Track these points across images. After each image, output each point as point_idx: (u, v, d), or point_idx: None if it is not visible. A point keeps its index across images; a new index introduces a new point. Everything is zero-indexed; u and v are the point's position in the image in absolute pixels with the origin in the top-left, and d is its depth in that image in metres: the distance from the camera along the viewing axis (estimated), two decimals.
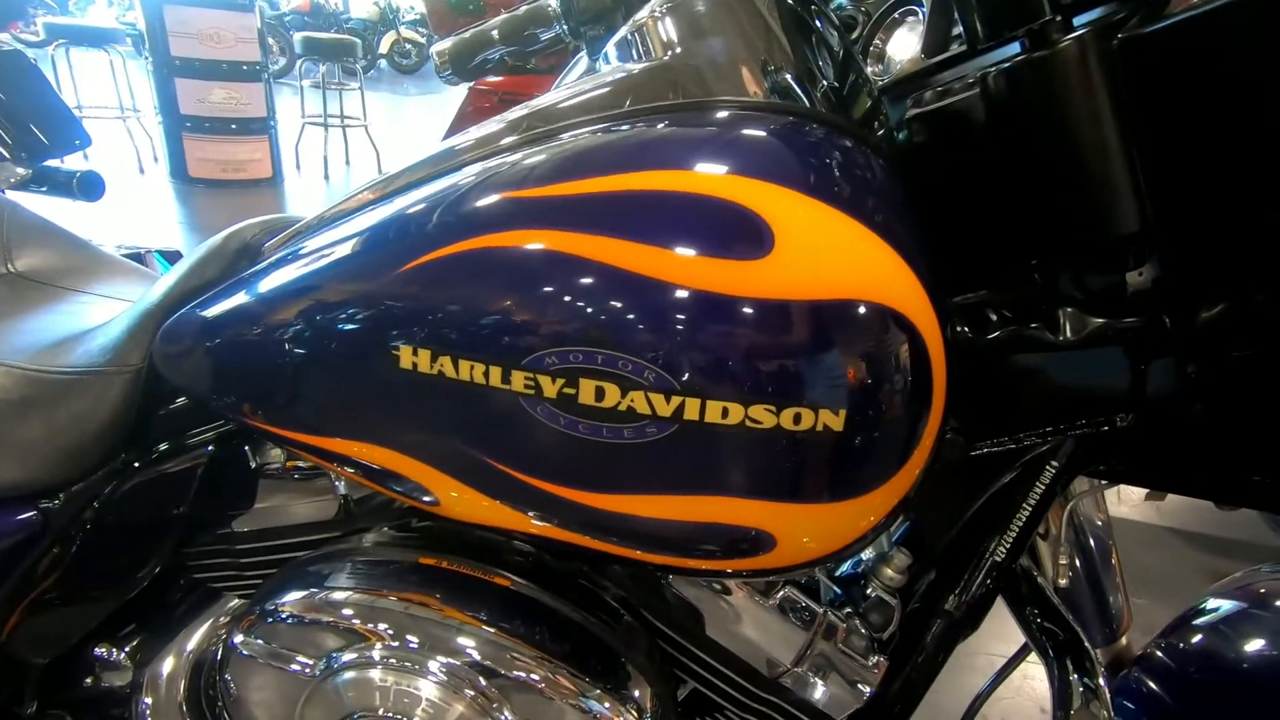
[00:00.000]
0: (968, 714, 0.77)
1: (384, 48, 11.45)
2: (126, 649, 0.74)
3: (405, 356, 0.44)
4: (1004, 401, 0.59)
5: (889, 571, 0.61)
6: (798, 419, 0.38)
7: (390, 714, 0.49)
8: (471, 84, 3.58)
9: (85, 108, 4.77)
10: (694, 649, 0.57)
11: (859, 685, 0.59)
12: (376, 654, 0.49)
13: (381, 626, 0.49)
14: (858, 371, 0.39)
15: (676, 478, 0.41)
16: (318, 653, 0.51)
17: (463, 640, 0.49)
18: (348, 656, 0.50)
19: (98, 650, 0.73)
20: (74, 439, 0.64)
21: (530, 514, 0.46)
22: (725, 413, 0.38)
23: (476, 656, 0.48)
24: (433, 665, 0.48)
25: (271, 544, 0.63)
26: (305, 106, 5.29)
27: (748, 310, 0.38)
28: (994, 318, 0.55)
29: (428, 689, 0.48)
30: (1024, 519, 0.60)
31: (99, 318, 0.75)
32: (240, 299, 0.53)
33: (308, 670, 0.51)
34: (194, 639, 0.72)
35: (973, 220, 0.52)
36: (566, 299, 0.40)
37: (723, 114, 0.43)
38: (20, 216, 0.96)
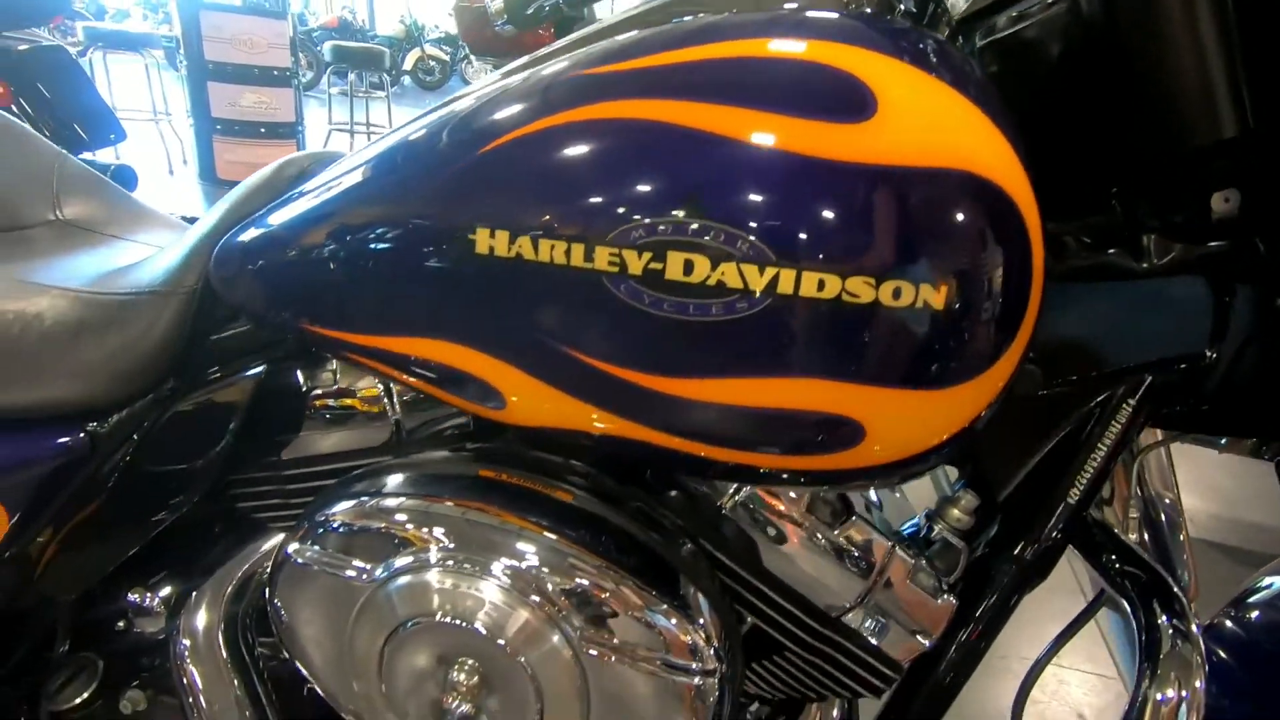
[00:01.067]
0: (1022, 690, 0.74)
1: (408, 64, 11.67)
2: (160, 594, 0.72)
3: (482, 240, 0.42)
4: (1081, 336, 0.57)
5: (956, 513, 0.59)
6: (897, 294, 0.37)
7: (449, 619, 0.47)
8: None
9: (119, 110, 4.86)
10: (755, 582, 0.55)
11: (925, 629, 0.57)
12: (435, 558, 0.47)
13: (440, 531, 0.48)
14: (961, 246, 0.37)
15: (765, 359, 0.39)
16: (373, 559, 0.49)
17: (525, 545, 0.47)
18: (404, 562, 0.48)
19: (130, 596, 0.72)
20: (125, 361, 0.63)
21: (603, 408, 0.44)
22: (821, 285, 0.37)
23: (539, 563, 0.46)
24: (494, 571, 0.46)
25: (320, 470, 0.62)
26: (332, 114, 5.37)
27: (849, 176, 0.36)
28: (1072, 245, 0.53)
29: (489, 594, 0.46)
30: (1096, 464, 0.58)
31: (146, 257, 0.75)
32: (304, 205, 0.53)
33: (364, 576, 0.49)
34: (233, 579, 0.70)
35: (1049, 150, 0.50)
36: (656, 168, 0.38)
37: (811, 10, 0.42)
38: (69, 166, 0.97)
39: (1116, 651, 0.77)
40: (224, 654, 0.67)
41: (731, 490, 0.55)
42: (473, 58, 12.68)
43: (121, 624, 0.76)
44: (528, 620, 0.46)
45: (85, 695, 0.74)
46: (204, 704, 0.66)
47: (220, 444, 0.63)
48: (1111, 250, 0.52)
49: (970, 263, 0.37)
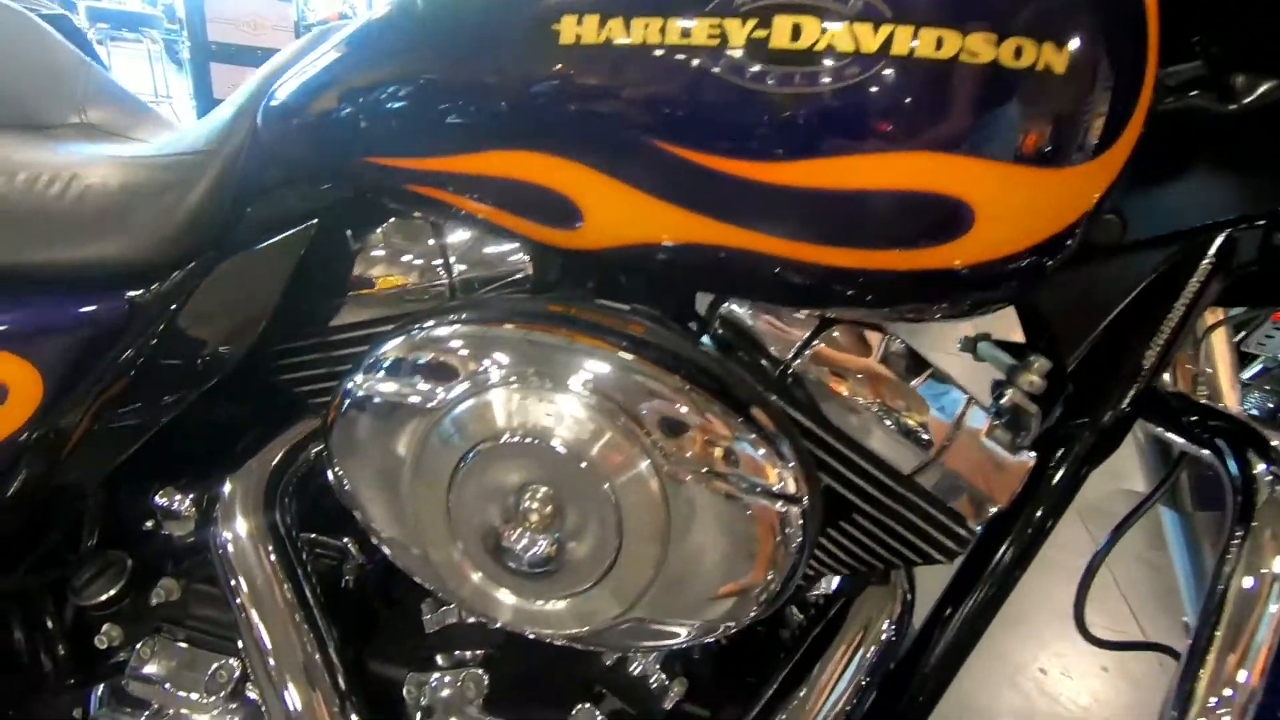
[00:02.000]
0: (1082, 586, 0.72)
1: None
2: (192, 492, 0.70)
3: (567, 29, 0.40)
4: (1162, 188, 0.55)
5: (1029, 376, 0.57)
6: (1018, 53, 0.35)
7: (526, 439, 0.45)
8: None
9: None
10: (827, 438, 0.53)
11: (1000, 489, 0.55)
12: (510, 378, 0.45)
13: (515, 353, 0.46)
14: (1086, 5, 0.35)
15: (874, 132, 0.37)
16: (442, 382, 0.47)
17: (605, 365, 0.45)
18: (478, 383, 0.46)
19: (158, 495, 0.70)
20: (167, 223, 0.61)
21: (693, 209, 0.42)
22: (940, 43, 0.35)
23: (620, 383, 0.44)
24: (575, 390, 0.44)
25: (369, 334, 0.60)
26: None
27: None
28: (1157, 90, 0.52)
29: (570, 413, 0.44)
30: (1168, 330, 0.57)
31: None
32: (357, 35, 0.51)
33: (433, 400, 0.47)
34: (270, 469, 0.68)
35: None
36: None
37: None
38: (94, 73, 0.95)
39: (1173, 550, 0.75)
40: (268, 548, 0.65)
41: (800, 344, 0.53)
42: None
43: (150, 523, 0.73)
44: (610, 440, 0.44)
45: (113, 591, 0.72)
46: (245, 589, 0.64)
47: (262, 312, 0.61)
48: (1195, 92, 0.51)
49: (1094, 26, 0.35)
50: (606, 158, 0.42)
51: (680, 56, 0.38)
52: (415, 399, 0.47)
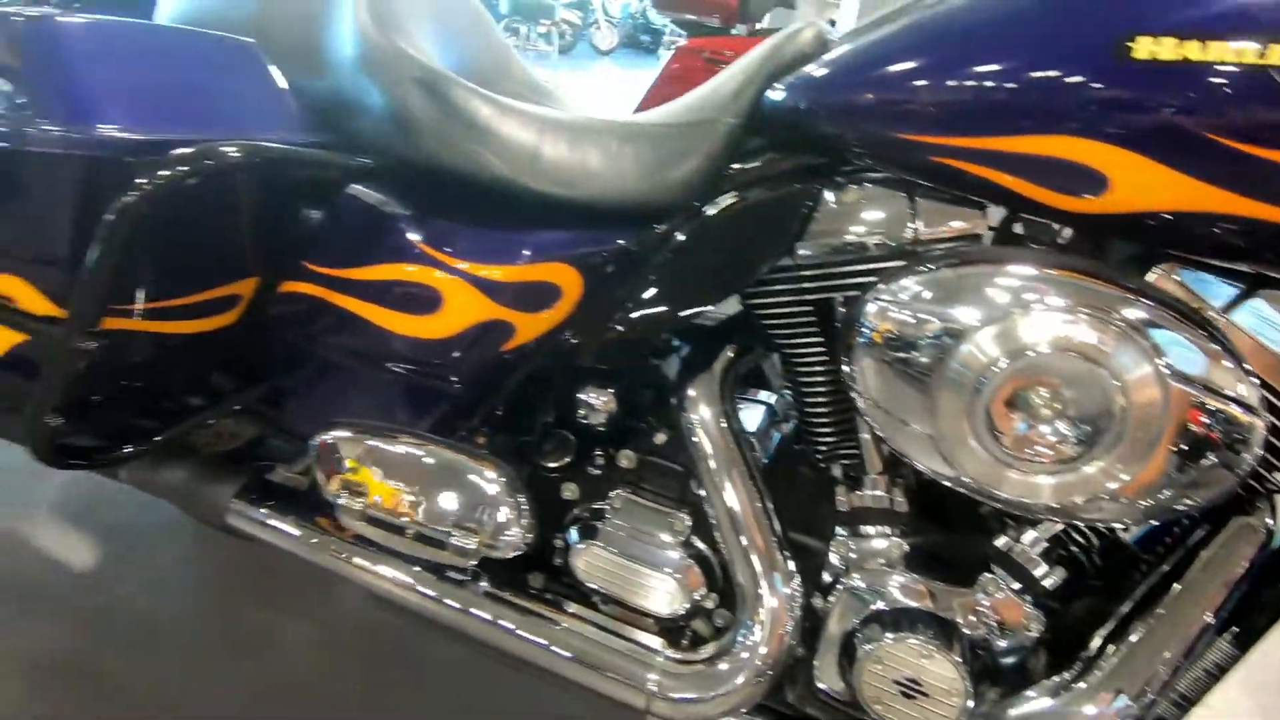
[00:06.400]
0: None
1: (541, 28, 12.00)
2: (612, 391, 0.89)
3: (1142, 47, 0.55)
4: None
5: None
6: None
7: (1054, 355, 0.60)
8: (680, 45, 3.76)
9: None
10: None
11: None
12: (1051, 303, 0.60)
13: (1050, 289, 0.61)
14: None
15: None
16: (970, 311, 0.62)
17: (1130, 307, 0.59)
18: (1006, 311, 0.61)
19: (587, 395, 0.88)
20: (683, 175, 0.79)
21: (1209, 181, 0.55)
22: None
23: (1141, 319, 0.59)
24: (1100, 319, 0.59)
25: (835, 271, 0.76)
26: None
27: None
28: None
29: (1093, 335, 0.59)
30: None
31: None
32: (911, 25, 0.66)
33: (961, 324, 0.62)
34: (719, 369, 0.86)
35: None
36: None
37: None
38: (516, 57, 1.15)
39: None
40: (723, 426, 0.83)
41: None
42: (601, 22, 12.89)
43: (583, 411, 0.92)
44: (1127, 357, 0.58)
45: (568, 459, 0.93)
46: (710, 454, 0.83)
47: (745, 254, 0.79)
48: None
49: None
50: (1152, 146, 0.56)
51: (1251, 72, 0.52)
52: (947, 322, 0.63)
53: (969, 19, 0.64)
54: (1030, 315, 0.61)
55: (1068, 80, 0.59)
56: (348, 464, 0.87)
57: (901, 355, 0.66)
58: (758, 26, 3.84)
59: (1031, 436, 0.62)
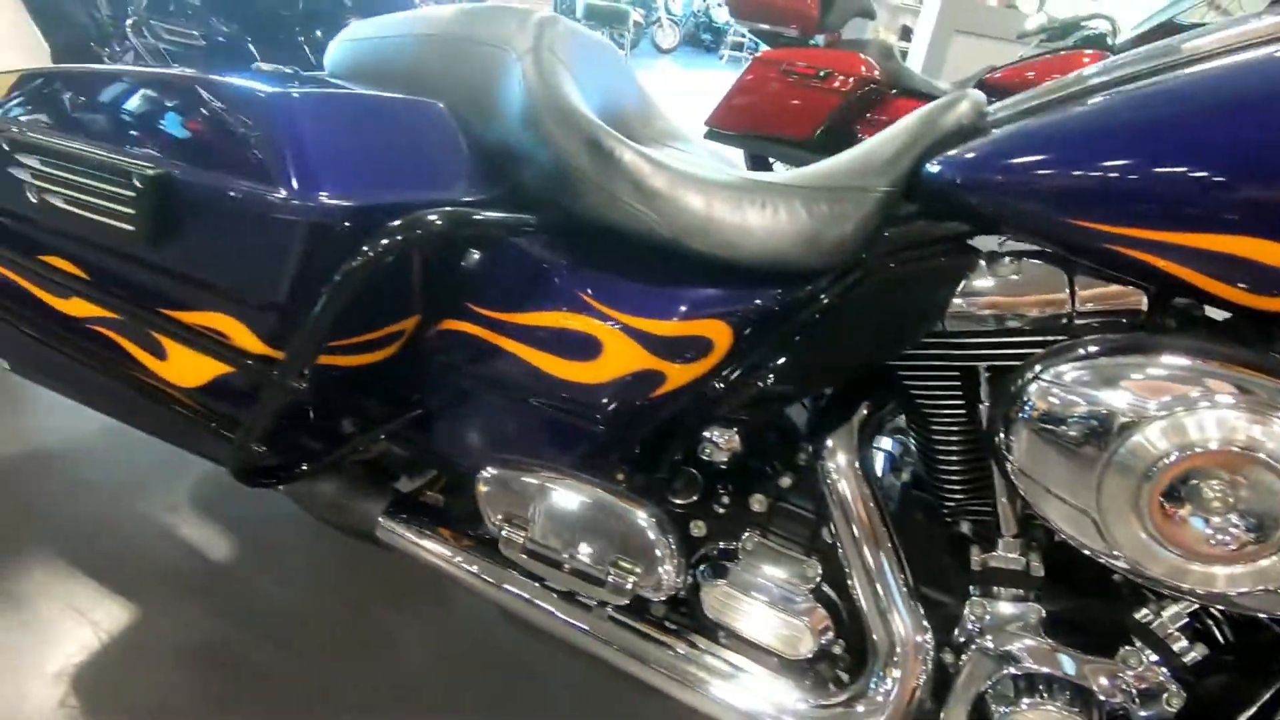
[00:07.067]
0: None
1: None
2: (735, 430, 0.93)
3: None
4: None
5: None
6: None
7: (1221, 449, 0.62)
8: (756, 54, 3.75)
9: None
10: None
11: None
12: (1218, 399, 0.63)
13: (1224, 381, 0.63)
14: None
15: None
16: (1140, 400, 0.65)
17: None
18: (1181, 402, 0.64)
19: (712, 435, 0.93)
20: (835, 239, 0.83)
21: None
22: None
23: None
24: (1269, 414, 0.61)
25: (987, 341, 0.79)
26: None
27: None
28: None
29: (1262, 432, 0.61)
30: None
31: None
32: (1088, 114, 0.70)
33: (1132, 413, 0.65)
34: (857, 423, 0.90)
35: None
36: None
37: None
38: (645, 93, 1.20)
39: None
40: (858, 477, 0.87)
41: None
42: (664, 20, 12.88)
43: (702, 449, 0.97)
44: None
45: (695, 498, 0.98)
46: (845, 504, 0.87)
47: (895, 321, 0.82)
48: None
49: None
50: None
51: None
52: (1117, 411, 0.66)
53: (1152, 113, 0.66)
54: (1199, 411, 0.63)
55: (1256, 186, 0.61)
56: (511, 499, 0.94)
57: (1066, 435, 0.69)
58: (841, 37, 3.80)
59: (1194, 525, 0.65)
